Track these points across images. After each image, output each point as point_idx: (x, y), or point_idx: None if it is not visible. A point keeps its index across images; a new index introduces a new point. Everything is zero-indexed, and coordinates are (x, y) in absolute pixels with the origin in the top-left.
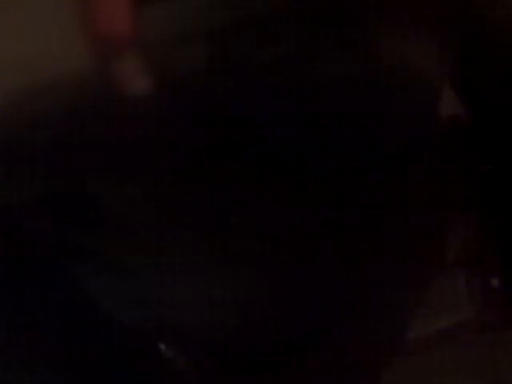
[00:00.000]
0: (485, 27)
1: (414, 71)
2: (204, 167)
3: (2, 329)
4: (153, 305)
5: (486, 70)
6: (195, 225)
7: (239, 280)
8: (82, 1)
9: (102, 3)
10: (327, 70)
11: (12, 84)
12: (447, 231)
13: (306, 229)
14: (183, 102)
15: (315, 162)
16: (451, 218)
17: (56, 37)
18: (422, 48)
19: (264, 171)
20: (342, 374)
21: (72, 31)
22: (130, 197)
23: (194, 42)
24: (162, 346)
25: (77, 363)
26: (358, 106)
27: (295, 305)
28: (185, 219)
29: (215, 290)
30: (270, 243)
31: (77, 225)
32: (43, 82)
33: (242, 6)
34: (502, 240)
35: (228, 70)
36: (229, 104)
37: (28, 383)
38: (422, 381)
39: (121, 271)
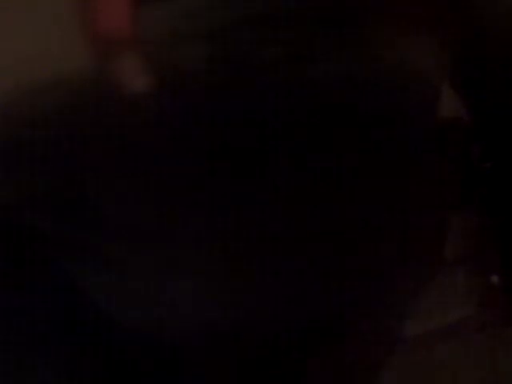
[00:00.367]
0: (485, 27)
1: (414, 70)
2: (204, 166)
3: (1, 328)
4: (153, 304)
5: (486, 68)
6: (195, 223)
7: (239, 279)
8: (82, 1)
9: (102, 3)
10: (327, 69)
11: (12, 84)
12: (447, 229)
13: (306, 227)
14: (183, 101)
15: (315, 161)
16: (451, 216)
17: (56, 37)
18: (422, 47)
19: (264, 170)
20: (342, 371)
21: (72, 31)
22: (129, 196)
23: (194, 42)
24: (162, 345)
25: (76, 363)
26: (357, 106)
27: (295, 303)
28: (185, 218)
29: (215, 288)
30: (270, 241)
31: (77, 224)
32: (43, 82)
33: (241, 6)
34: (501, 237)
35: (228, 70)
36: (229, 103)
37: (28, 383)
38: (422, 378)
39: (121, 270)
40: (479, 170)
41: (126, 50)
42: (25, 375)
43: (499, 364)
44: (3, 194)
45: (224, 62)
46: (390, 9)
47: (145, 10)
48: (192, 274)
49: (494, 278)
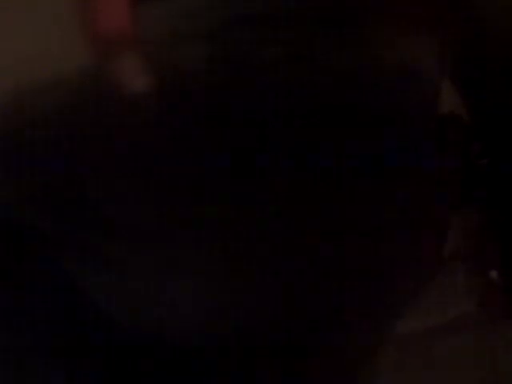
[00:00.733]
0: (485, 26)
1: (414, 70)
2: (204, 166)
3: (1, 328)
4: (153, 304)
5: (486, 67)
6: (195, 223)
7: (239, 279)
8: (82, 1)
9: (102, 3)
10: (327, 69)
11: (12, 83)
12: (447, 228)
13: (306, 226)
14: (183, 101)
15: (315, 160)
16: (450, 212)
17: (56, 36)
18: (422, 47)
19: (264, 170)
20: (341, 370)
21: (72, 31)
22: (129, 196)
23: (194, 42)
24: (162, 345)
25: (76, 363)
26: (357, 105)
27: (295, 303)
28: (185, 218)
29: (215, 288)
30: (270, 241)
31: (77, 224)
32: (43, 82)
33: (242, 6)
34: (500, 233)
35: (228, 70)
36: (228, 103)
37: (27, 383)
38: (422, 375)
39: (121, 270)
40: (478, 167)
41: (125, 50)
42: (24, 375)
43: (499, 361)
44: (3, 194)
45: (224, 62)
46: (390, 8)
47: (144, 9)
48: (192, 273)
49: (493, 274)
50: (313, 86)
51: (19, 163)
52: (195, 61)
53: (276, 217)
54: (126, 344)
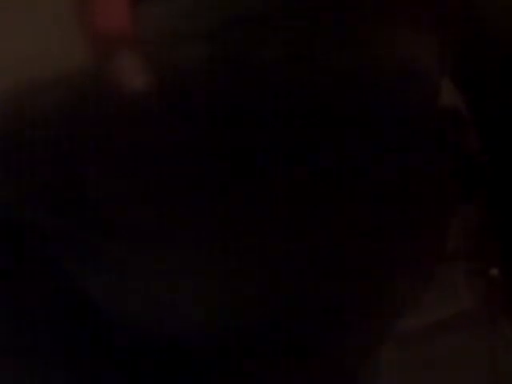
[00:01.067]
0: (485, 26)
1: (414, 69)
2: (203, 166)
3: (1, 328)
4: (153, 304)
5: (486, 64)
6: (196, 223)
7: (239, 278)
8: (82, 0)
9: (102, 2)
10: (327, 69)
11: (12, 83)
12: (447, 224)
13: (306, 225)
14: (183, 100)
15: (314, 159)
16: (450, 210)
17: (55, 35)
18: (422, 46)
19: (263, 168)
20: (341, 368)
21: (71, 30)
22: (129, 196)
23: (194, 42)
24: (162, 345)
25: (76, 362)
26: (356, 104)
27: (295, 302)
28: (184, 216)
29: (216, 288)
30: (270, 241)
31: (77, 224)
32: (43, 81)
33: (242, 6)
34: (501, 230)
35: (228, 70)
36: (228, 103)
37: (27, 382)
38: (422, 371)
39: (121, 270)
40: (479, 164)
41: (125, 50)
42: (24, 375)
43: (499, 359)
44: (2, 194)
45: (224, 62)
46: (390, 8)
47: (144, 9)
48: (192, 273)
49: (494, 271)
50: (313, 86)
51: (19, 162)
52: (195, 61)
53: (276, 216)
54: (126, 344)
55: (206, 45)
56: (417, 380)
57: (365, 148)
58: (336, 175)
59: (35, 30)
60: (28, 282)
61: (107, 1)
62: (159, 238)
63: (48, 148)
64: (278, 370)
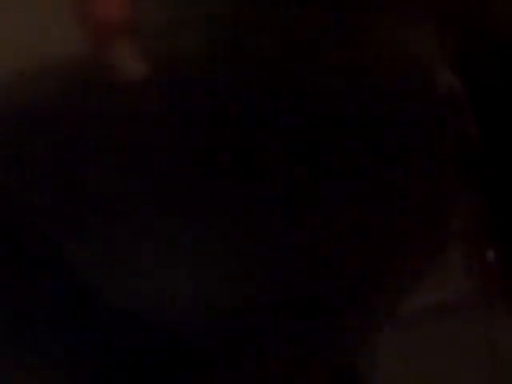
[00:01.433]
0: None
1: (414, 56)
2: (202, 155)
3: None
4: (153, 293)
5: (487, 50)
6: (193, 211)
7: (239, 269)
8: None
9: None
10: (327, 57)
11: (8, 71)
12: (447, 210)
13: (305, 215)
14: (182, 89)
15: (313, 149)
16: (449, 199)
17: (52, 23)
18: (422, 35)
19: (262, 160)
20: (340, 352)
21: (69, 18)
22: (129, 184)
23: (193, 29)
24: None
25: (76, 361)
26: (356, 92)
27: (294, 291)
28: (184, 206)
29: (215, 279)
30: (271, 227)
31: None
32: (39, 70)
33: None
34: (497, 213)
35: (228, 58)
36: (229, 92)
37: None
38: (418, 357)
39: (121, 256)
40: (477, 151)
41: (124, 37)
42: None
43: (496, 340)
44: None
45: (224, 50)
46: None
47: None
48: (192, 262)
49: (490, 254)
50: (313, 74)
51: (14, 149)
52: (195, 48)
53: (276, 203)
54: (126, 343)
55: (206, 32)
56: (415, 363)
57: (362, 136)
58: (334, 161)
59: (31, 18)
60: (27, 272)
61: None
62: (159, 227)
63: (42, 135)
64: (279, 358)
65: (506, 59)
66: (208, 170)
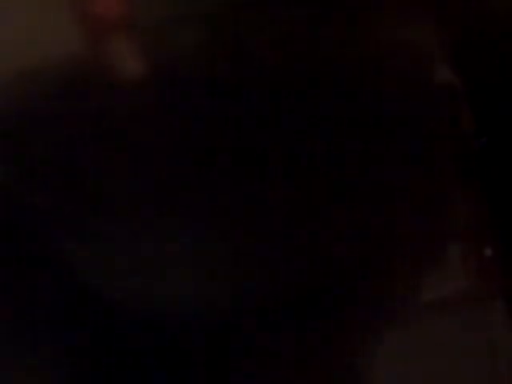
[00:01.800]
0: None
1: (414, 58)
2: (201, 151)
3: None
4: (153, 292)
5: (486, 45)
6: (193, 208)
7: (239, 266)
8: None
9: None
10: (327, 57)
11: (6, 70)
12: (447, 209)
13: (305, 211)
14: (180, 86)
15: (315, 146)
16: (448, 192)
17: (47, 20)
18: (421, 25)
19: (264, 160)
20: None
21: (67, 16)
22: (129, 184)
23: (193, 26)
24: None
25: (75, 360)
26: (356, 91)
27: (294, 285)
28: (184, 204)
29: (215, 275)
30: (269, 226)
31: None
32: (38, 68)
33: None
34: (497, 213)
35: (227, 54)
36: (228, 88)
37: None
38: (418, 356)
39: (121, 256)
40: (474, 145)
41: (121, 35)
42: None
43: (494, 336)
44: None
45: (223, 46)
46: None
47: None
48: (192, 260)
49: (488, 251)
50: (312, 69)
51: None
52: (195, 47)
53: (277, 203)
54: (126, 334)
55: (205, 28)
56: (415, 363)
57: (361, 130)
58: (334, 156)
59: (27, 15)
60: (27, 272)
61: None
62: (159, 225)
63: (38, 132)
64: (278, 353)
65: (506, 59)
66: (208, 170)
